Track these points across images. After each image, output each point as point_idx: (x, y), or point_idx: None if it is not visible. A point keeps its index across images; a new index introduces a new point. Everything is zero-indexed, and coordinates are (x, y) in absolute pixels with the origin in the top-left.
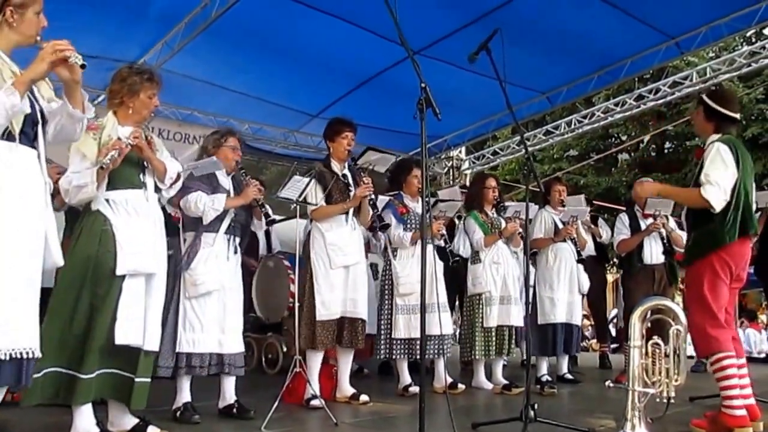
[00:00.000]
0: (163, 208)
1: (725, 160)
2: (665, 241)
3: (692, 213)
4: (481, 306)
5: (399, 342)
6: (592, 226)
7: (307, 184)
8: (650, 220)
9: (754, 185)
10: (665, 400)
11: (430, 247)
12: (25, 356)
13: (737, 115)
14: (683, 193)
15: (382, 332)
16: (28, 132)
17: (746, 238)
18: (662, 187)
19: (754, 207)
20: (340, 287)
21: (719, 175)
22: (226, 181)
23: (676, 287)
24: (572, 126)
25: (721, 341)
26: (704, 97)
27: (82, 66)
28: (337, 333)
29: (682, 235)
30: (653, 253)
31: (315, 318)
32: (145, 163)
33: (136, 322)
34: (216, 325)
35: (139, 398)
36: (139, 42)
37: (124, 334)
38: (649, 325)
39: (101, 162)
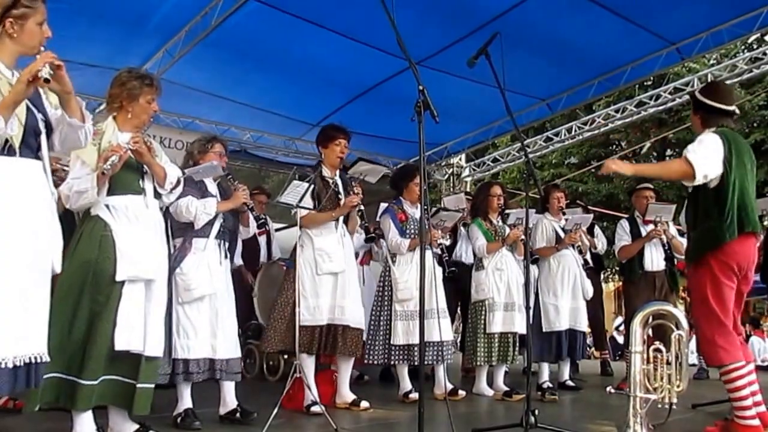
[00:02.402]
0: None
1: (709, 144)
2: (666, 247)
3: (692, 212)
4: (483, 312)
5: (397, 348)
6: (590, 237)
7: (307, 189)
8: (651, 227)
9: (753, 181)
10: (667, 407)
11: (429, 254)
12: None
13: (729, 107)
14: (659, 166)
15: (381, 338)
16: (31, 142)
17: (748, 236)
18: (636, 168)
19: (755, 206)
20: (328, 294)
21: (703, 152)
22: (213, 188)
23: (678, 294)
24: (572, 132)
25: (730, 351)
26: (696, 92)
27: (46, 80)
28: (325, 340)
29: (683, 242)
30: (654, 259)
31: (298, 322)
32: (144, 168)
33: (136, 328)
34: (208, 330)
35: (141, 404)
36: (139, 51)
37: (126, 341)
38: (650, 332)
39: (102, 167)
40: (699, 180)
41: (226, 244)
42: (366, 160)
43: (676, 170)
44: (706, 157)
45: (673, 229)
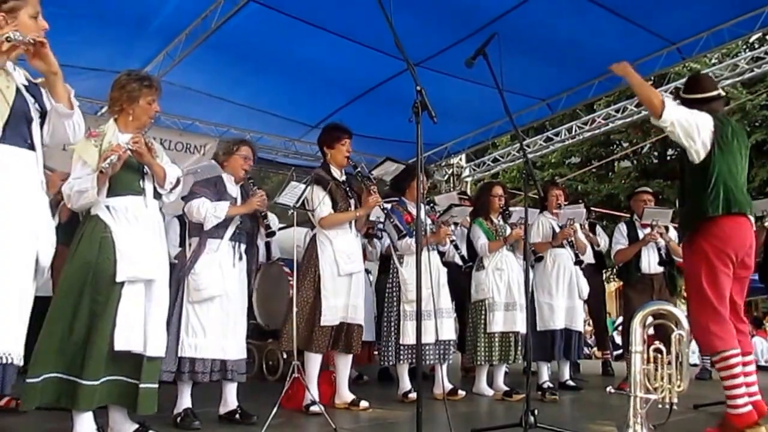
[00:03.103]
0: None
1: (698, 117)
2: (662, 251)
3: (681, 191)
4: (483, 312)
5: (406, 348)
6: (590, 234)
7: (304, 190)
8: (649, 230)
9: (744, 168)
10: (668, 407)
11: (434, 254)
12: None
13: (714, 93)
14: (645, 85)
15: (391, 338)
16: (21, 130)
17: (738, 217)
18: (632, 75)
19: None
20: (344, 294)
21: (684, 111)
22: (234, 189)
23: (677, 296)
24: (572, 132)
25: (724, 338)
26: (681, 93)
27: (7, 39)
28: (335, 338)
29: None
30: (651, 262)
31: (318, 323)
32: (145, 169)
33: (136, 329)
34: (219, 331)
35: (146, 404)
36: (140, 54)
37: (125, 341)
38: (651, 331)
39: (101, 167)
40: (664, 121)
41: (243, 246)
42: (393, 160)
43: (652, 99)
44: (684, 115)
45: (672, 233)
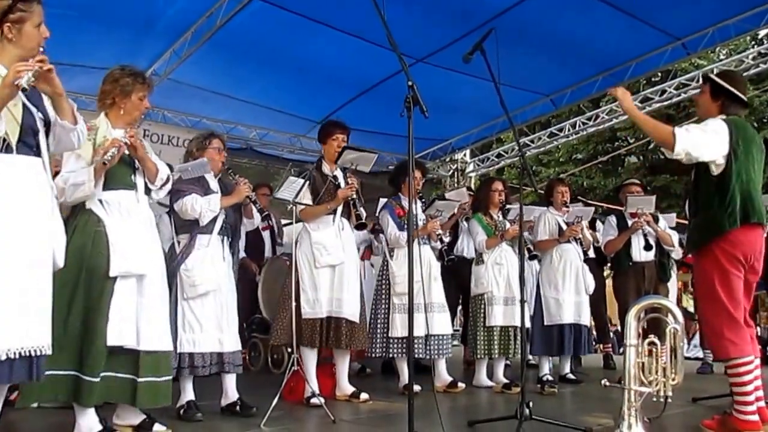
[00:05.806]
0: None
1: (715, 129)
2: (648, 237)
3: (693, 200)
4: (483, 306)
5: (396, 341)
6: (592, 231)
7: (303, 185)
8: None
9: (760, 172)
10: (662, 400)
11: (426, 248)
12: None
13: (740, 94)
14: (650, 121)
15: (379, 331)
16: (29, 141)
17: (753, 227)
18: (630, 108)
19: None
20: (326, 287)
21: (699, 133)
22: (214, 184)
23: (667, 284)
24: (577, 128)
25: (739, 345)
26: (712, 75)
27: (23, 90)
28: (325, 333)
29: (672, 234)
30: (641, 250)
31: (300, 316)
32: (136, 164)
33: (128, 324)
34: (215, 324)
35: (145, 397)
36: (148, 52)
37: (118, 336)
38: (645, 325)
39: (103, 158)
40: (678, 154)
41: (229, 240)
42: (352, 148)
43: (661, 133)
44: (700, 138)
45: (662, 222)
